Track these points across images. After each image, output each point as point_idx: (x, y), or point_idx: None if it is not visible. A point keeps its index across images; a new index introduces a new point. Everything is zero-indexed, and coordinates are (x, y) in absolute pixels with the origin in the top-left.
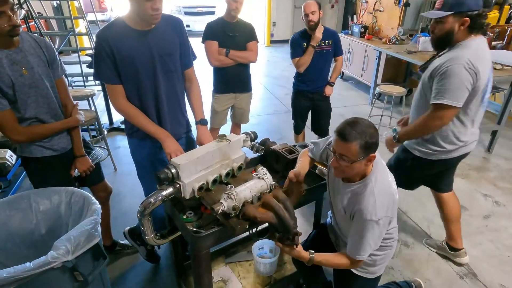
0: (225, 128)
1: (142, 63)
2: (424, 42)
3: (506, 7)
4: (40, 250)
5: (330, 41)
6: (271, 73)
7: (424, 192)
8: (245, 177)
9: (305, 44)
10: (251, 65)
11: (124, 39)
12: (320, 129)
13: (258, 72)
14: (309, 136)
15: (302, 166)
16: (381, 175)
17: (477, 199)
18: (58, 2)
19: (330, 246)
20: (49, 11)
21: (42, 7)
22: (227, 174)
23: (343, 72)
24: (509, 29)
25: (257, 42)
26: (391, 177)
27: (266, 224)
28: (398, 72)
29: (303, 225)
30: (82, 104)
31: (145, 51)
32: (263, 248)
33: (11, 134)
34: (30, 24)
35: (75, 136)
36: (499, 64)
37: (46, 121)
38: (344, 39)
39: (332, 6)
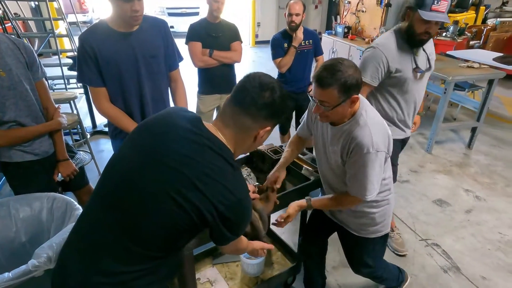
0: None
1: (125, 65)
2: None
3: (482, 8)
4: (21, 259)
5: (310, 40)
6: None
7: (409, 189)
8: None
9: (286, 45)
10: (237, 66)
11: (106, 41)
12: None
13: (244, 73)
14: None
15: (284, 162)
16: (370, 109)
17: (459, 194)
18: (36, 2)
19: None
20: (27, 12)
21: (19, 8)
22: None
23: None
24: (485, 29)
25: (241, 42)
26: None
27: None
28: None
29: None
30: (64, 107)
31: (129, 53)
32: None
33: None
34: (6, 25)
35: (57, 140)
36: (476, 63)
37: (26, 124)
38: (328, 39)
39: (316, 7)
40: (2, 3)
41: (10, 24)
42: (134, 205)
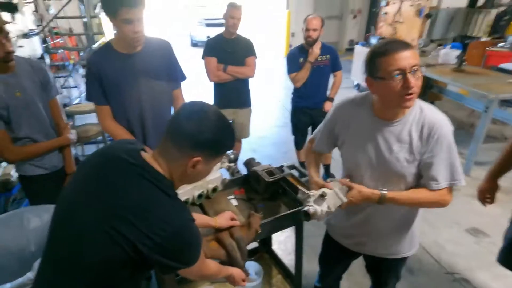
0: None
1: (126, 85)
2: (446, 54)
3: None
4: (30, 268)
5: (328, 56)
6: (289, 85)
7: (436, 213)
8: (220, 199)
9: (302, 60)
10: (271, 77)
11: (110, 62)
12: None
13: (275, 84)
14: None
15: (315, 177)
16: None
17: (503, 225)
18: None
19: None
20: (79, 27)
21: (69, 24)
22: (200, 196)
23: (359, 85)
24: None
25: (256, 57)
26: None
27: (256, 244)
28: None
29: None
30: (92, 117)
31: (130, 73)
32: (248, 270)
33: (5, 154)
34: (56, 40)
35: (66, 154)
36: None
37: (38, 140)
38: (362, 50)
39: (354, 17)
40: (54, 20)
41: (60, 39)
42: (68, 238)
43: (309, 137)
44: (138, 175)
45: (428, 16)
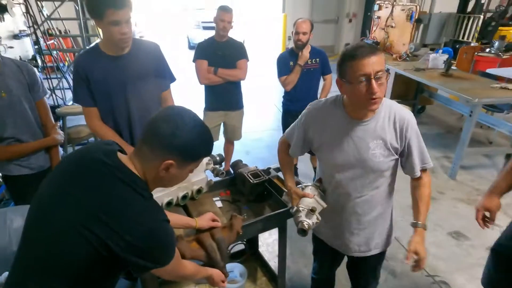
0: (218, 144)
1: (113, 86)
2: (434, 59)
3: None
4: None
5: (317, 59)
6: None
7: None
8: (204, 201)
9: (292, 63)
10: (266, 80)
11: (97, 64)
12: None
13: (270, 87)
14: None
15: (293, 186)
16: None
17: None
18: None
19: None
20: (75, 29)
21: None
22: (184, 197)
23: None
24: None
25: (247, 60)
26: None
27: (242, 247)
28: (408, 89)
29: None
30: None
31: (117, 75)
32: (233, 272)
33: None
34: (50, 42)
35: (53, 155)
36: None
37: (24, 140)
38: None
39: (350, 21)
40: (48, 22)
41: (53, 41)
42: (42, 237)
43: None
44: (112, 176)
45: (418, 21)
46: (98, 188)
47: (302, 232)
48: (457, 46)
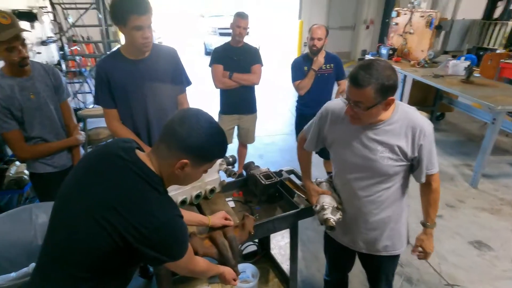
0: (232, 147)
1: (133, 89)
2: (455, 65)
3: None
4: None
5: (332, 64)
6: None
7: (440, 224)
8: (217, 200)
9: (306, 68)
10: (281, 84)
11: (118, 67)
12: (325, 152)
13: (284, 91)
14: (315, 157)
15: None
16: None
17: (509, 239)
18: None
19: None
20: (97, 35)
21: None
22: (197, 196)
23: None
24: None
25: (261, 65)
26: None
27: (254, 248)
28: (427, 95)
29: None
30: (103, 121)
31: (137, 78)
32: (245, 272)
33: (18, 152)
34: (73, 48)
35: (75, 154)
36: None
37: (49, 140)
38: None
39: (367, 27)
40: (72, 29)
41: (76, 47)
42: (64, 227)
43: None
44: (129, 170)
45: (438, 27)
46: (115, 181)
47: (331, 228)
48: (480, 53)
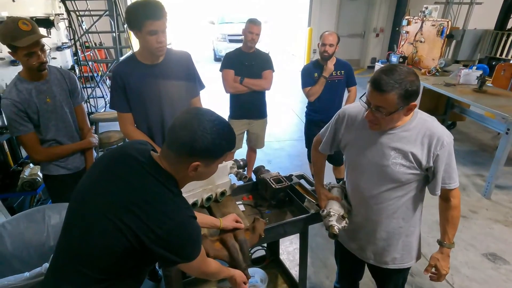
0: (242, 152)
1: (148, 93)
2: (467, 75)
3: None
4: (49, 260)
5: (342, 71)
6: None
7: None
8: (228, 203)
9: (316, 74)
10: (290, 91)
11: (133, 72)
12: (334, 158)
13: (294, 97)
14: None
15: (322, 188)
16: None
17: None
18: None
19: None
20: (109, 41)
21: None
22: (208, 199)
23: None
24: None
25: (273, 71)
26: None
27: (263, 252)
28: (438, 104)
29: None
30: (114, 125)
31: (152, 82)
32: (253, 277)
33: (33, 154)
34: (87, 53)
35: (88, 157)
36: None
37: (63, 142)
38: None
39: (377, 35)
40: (86, 35)
41: (90, 52)
42: (79, 227)
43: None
44: (145, 172)
45: (449, 36)
46: (130, 182)
47: (333, 236)
48: (493, 63)
